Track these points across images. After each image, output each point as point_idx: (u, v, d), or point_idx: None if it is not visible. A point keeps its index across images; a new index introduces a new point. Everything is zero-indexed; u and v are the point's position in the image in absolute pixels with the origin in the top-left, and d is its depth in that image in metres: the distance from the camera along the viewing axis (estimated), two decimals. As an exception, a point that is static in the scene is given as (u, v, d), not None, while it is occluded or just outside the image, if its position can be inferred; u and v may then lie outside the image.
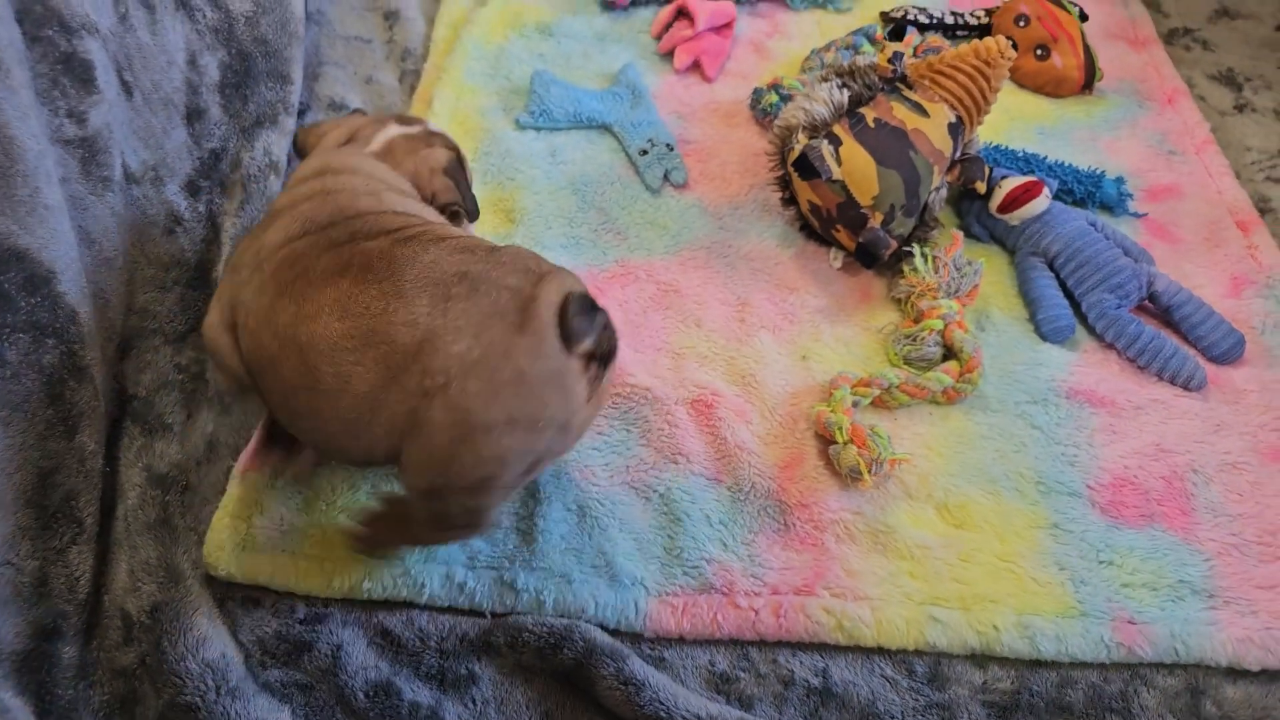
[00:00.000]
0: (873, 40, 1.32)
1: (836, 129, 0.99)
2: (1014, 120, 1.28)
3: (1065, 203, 1.16)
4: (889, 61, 1.02)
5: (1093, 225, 1.07)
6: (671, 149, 1.16)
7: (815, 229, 1.08)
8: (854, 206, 0.98)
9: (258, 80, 1.09)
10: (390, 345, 0.60)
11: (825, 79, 1.04)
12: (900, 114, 0.99)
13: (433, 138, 0.84)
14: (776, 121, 1.03)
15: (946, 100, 1.01)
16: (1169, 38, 1.48)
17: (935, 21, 1.36)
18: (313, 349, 0.61)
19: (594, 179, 1.15)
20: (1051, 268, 1.05)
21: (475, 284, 0.61)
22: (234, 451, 0.87)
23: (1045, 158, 1.17)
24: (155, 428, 0.86)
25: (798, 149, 0.99)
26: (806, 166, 0.97)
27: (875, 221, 0.99)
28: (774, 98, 1.20)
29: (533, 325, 0.60)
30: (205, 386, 0.90)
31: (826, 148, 0.97)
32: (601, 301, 0.68)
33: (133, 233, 0.93)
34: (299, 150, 0.88)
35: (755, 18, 1.42)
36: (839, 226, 1.02)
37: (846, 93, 1.00)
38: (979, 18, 1.39)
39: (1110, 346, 1.01)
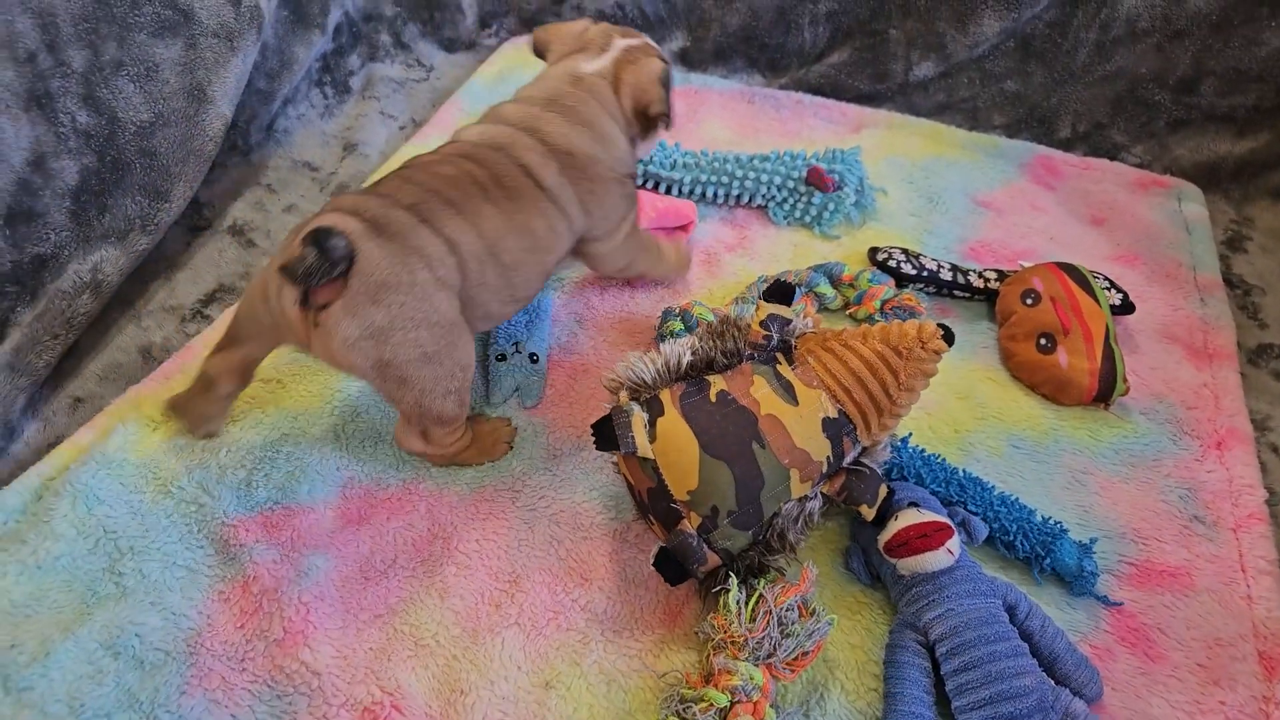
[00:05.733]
0: (836, 281, 1.08)
1: (664, 395, 0.75)
2: (986, 419, 0.99)
3: (1004, 558, 0.85)
4: (762, 324, 0.79)
5: (1012, 609, 0.76)
6: (535, 360, 0.96)
7: (643, 508, 0.83)
8: (665, 497, 0.74)
9: (126, 192, 1.02)
10: None
11: (695, 335, 0.82)
12: (759, 392, 0.75)
13: (650, 49, 0.94)
14: (605, 374, 0.80)
15: (828, 388, 0.75)
16: (1256, 355, 1.14)
17: (926, 274, 1.10)
18: None
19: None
20: (933, 655, 0.74)
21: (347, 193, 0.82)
22: None
23: (993, 487, 0.87)
24: None
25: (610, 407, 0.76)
26: (605, 433, 0.73)
27: (689, 524, 0.73)
28: (677, 325, 0.99)
29: (307, 221, 0.76)
30: None
31: (639, 415, 0.74)
32: (360, 531, 0.83)
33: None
34: (537, 49, 0.97)
35: (725, 225, 1.22)
36: (652, 517, 0.77)
37: (690, 356, 0.77)
38: (986, 280, 1.12)
39: (980, 805, 0.68)
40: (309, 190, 1.26)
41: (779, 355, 0.79)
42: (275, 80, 1.31)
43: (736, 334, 0.80)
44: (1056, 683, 0.72)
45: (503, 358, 0.96)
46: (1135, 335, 1.12)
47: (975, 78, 1.44)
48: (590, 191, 0.87)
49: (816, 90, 1.50)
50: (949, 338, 0.74)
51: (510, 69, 1.52)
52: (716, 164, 1.22)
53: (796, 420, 0.74)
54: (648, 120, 0.90)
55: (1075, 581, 0.83)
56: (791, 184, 1.21)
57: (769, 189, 1.22)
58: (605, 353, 1.01)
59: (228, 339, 0.85)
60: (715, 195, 1.23)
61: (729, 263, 1.16)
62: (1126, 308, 1.09)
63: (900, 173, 1.34)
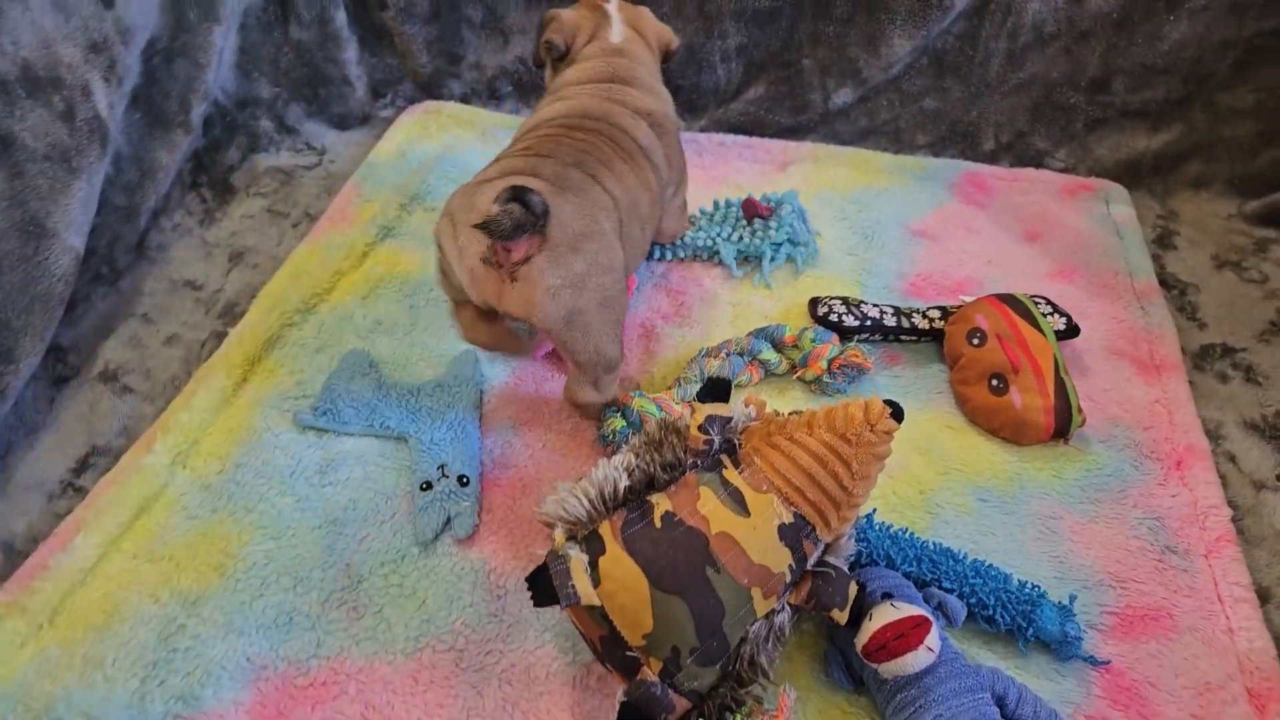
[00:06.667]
0: (779, 344, 1.06)
1: (603, 529, 0.72)
2: (950, 473, 0.98)
3: (987, 632, 0.83)
4: (701, 428, 0.76)
5: (1001, 700, 0.74)
6: (465, 483, 0.91)
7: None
8: (620, 645, 0.70)
9: (-43, 362, 0.92)
10: None
11: (632, 448, 0.78)
12: (707, 508, 0.72)
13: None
14: (536, 510, 0.76)
15: (780, 490, 0.72)
16: (1200, 358, 1.16)
17: (869, 323, 1.09)
18: None
19: (361, 514, 0.91)
20: (928, 762, 0.72)
21: (509, 158, 0.89)
22: None
23: (965, 556, 0.86)
24: None
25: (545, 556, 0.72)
26: (543, 586, 0.69)
27: (651, 671, 0.70)
28: (619, 422, 0.95)
29: (488, 181, 0.83)
30: None
31: (577, 559, 0.70)
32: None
33: None
34: (554, 47, 1.05)
35: (660, 292, 1.19)
36: (609, 665, 0.73)
37: (626, 480, 0.73)
38: (931, 320, 1.11)
39: None
40: (193, 314, 1.15)
41: (723, 458, 0.76)
42: (136, 193, 1.21)
43: (675, 441, 0.77)
44: (1056, 771, 0.72)
45: (427, 486, 0.91)
46: (1083, 356, 1.12)
47: (894, 99, 1.44)
48: (669, 145, 1.01)
49: (738, 129, 1.48)
50: (898, 415, 0.72)
51: (412, 141, 1.46)
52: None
53: (750, 533, 0.71)
54: (667, 56, 1.09)
55: (1060, 647, 0.82)
56: (734, 219, 1.23)
57: (713, 240, 1.21)
58: (546, 462, 0.97)
59: (460, 319, 0.96)
60: (663, 254, 1.22)
61: (667, 335, 1.13)
62: (1071, 331, 1.09)
63: (832, 209, 1.33)
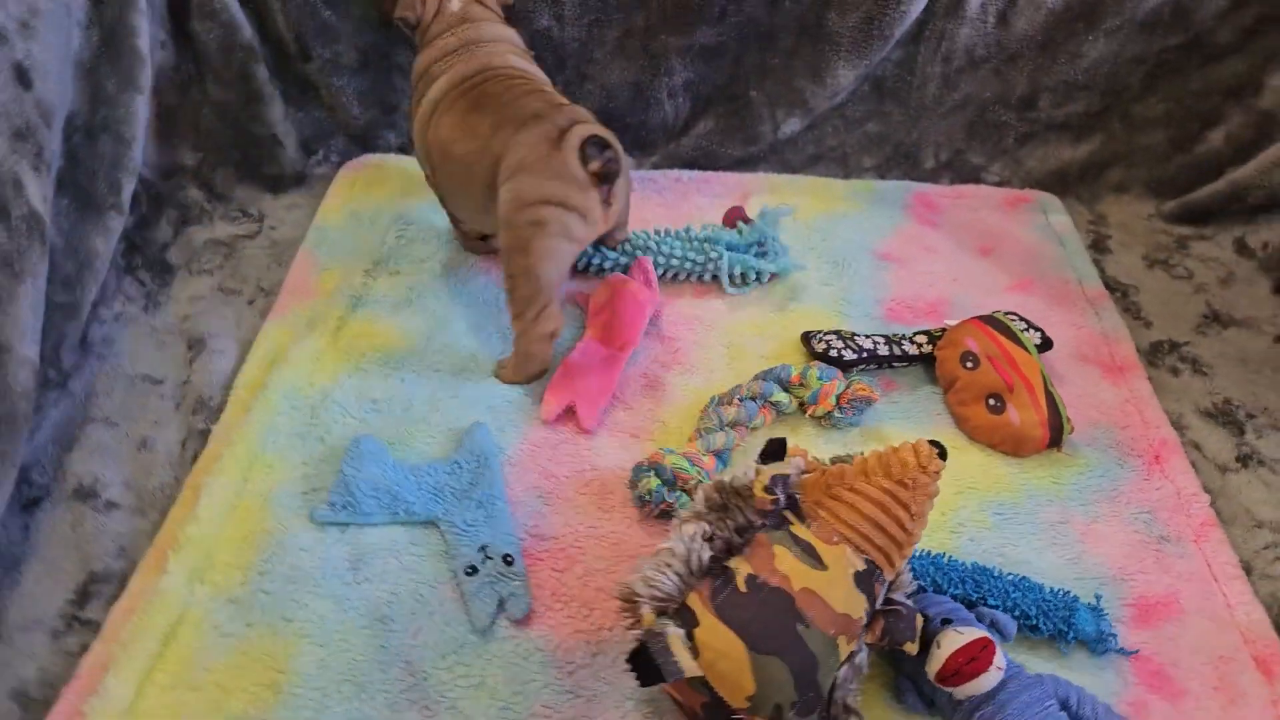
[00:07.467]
0: (786, 385, 1.12)
1: (692, 601, 0.76)
2: (964, 492, 1.07)
3: (1030, 638, 0.92)
4: (767, 489, 0.81)
5: (1064, 703, 0.83)
6: (510, 563, 0.92)
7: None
8: (724, 710, 0.74)
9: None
10: (492, 154, 1.07)
11: (697, 515, 0.82)
12: (785, 565, 0.77)
13: None
14: (618, 588, 0.79)
15: (850, 541, 0.78)
16: (1152, 355, 1.30)
17: (865, 355, 1.17)
18: (450, 154, 1.14)
19: (406, 608, 0.91)
20: (1011, 775, 0.79)
21: (540, 119, 1.05)
22: None
23: (1001, 572, 0.94)
24: None
25: (641, 633, 0.75)
26: (647, 666, 0.73)
27: (758, 731, 0.74)
28: (654, 482, 0.99)
29: (563, 147, 1.02)
30: None
31: (675, 634, 0.74)
32: None
33: None
34: (407, 22, 1.21)
35: (654, 340, 1.23)
36: (712, 731, 0.77)
37: (709, 550, 0.78)
38: (919, 345, 1.20)
39: None
40: (163, 412, 1.08)
41: (787, 513, 0.81)
42: (76, 287, 1.13)
43: (740, 504, 0.82)
44: (1121, 764, 0.80)
45: (473, 570, 0.91)
46: (1055, 365, 1.24)
47: (839, 125, 1.54)
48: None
49: (691, 163, 1.54)
50: (943, 454, 0.80)
51: (359, 200, 1.44)
52: (652, 243, 1.29)
53: (830, 585, 0.77)
54: (508, 9, 1.27)
55: (1096, 644, 0.92)
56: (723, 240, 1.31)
57: (706, 261, 1.28)
58: (583, 529, 0.99)
59: (549, 313, 1.09)
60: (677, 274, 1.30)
61: (671, 383, 1.17)
62: (1046, 344, 1.21)
63: (800, 240, 1.40)
